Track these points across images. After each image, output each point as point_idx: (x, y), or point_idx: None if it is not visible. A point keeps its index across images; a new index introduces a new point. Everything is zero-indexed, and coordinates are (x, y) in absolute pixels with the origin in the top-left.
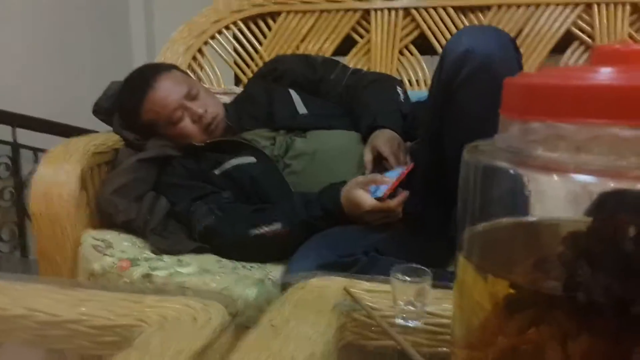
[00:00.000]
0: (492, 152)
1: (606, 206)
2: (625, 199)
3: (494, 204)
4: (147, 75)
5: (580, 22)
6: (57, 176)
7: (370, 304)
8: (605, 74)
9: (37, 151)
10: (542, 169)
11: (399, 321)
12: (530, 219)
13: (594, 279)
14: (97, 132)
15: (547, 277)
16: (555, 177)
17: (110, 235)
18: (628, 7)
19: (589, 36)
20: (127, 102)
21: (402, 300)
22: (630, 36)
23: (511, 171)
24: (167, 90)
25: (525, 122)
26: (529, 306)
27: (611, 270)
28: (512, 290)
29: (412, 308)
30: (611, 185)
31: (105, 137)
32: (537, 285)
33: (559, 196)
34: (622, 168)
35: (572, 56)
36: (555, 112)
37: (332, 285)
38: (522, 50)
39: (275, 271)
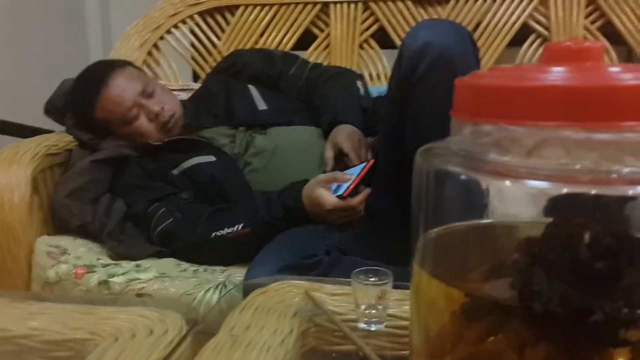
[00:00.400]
0: (444, 156)
1: (558, 211)
2: (578, 204)
3: (446, 210)
4: (100, 72)
5: (536, 15)
6: (7, 180)
7: (332, 307)
8: (556, 74)
9: None
10: (493, 173)
11: (362, 325)
12: (484, 224)
13: (550, 287)
14: (51, 131)
15: (503, 285)
16: (507, 182)
17: (65, 241)
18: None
19: (546, 28)
20: (80, 100)
21: (363, 303)
22: (586, 28)
23: (462, 176)
24: (122, 88)
25: (476, 124)
26: (486, 314)
27: (566, 278)
28: (468, 298)
29: (374, 311)
30: (564, 189)
31: (58, 137)
32: (492, 295)
33: (512, 200)
34: (575, 172)
35: (530, 49)
36: (506, 114)
37: (293, 289)
38: (480, 43)
39: (237, 274)
